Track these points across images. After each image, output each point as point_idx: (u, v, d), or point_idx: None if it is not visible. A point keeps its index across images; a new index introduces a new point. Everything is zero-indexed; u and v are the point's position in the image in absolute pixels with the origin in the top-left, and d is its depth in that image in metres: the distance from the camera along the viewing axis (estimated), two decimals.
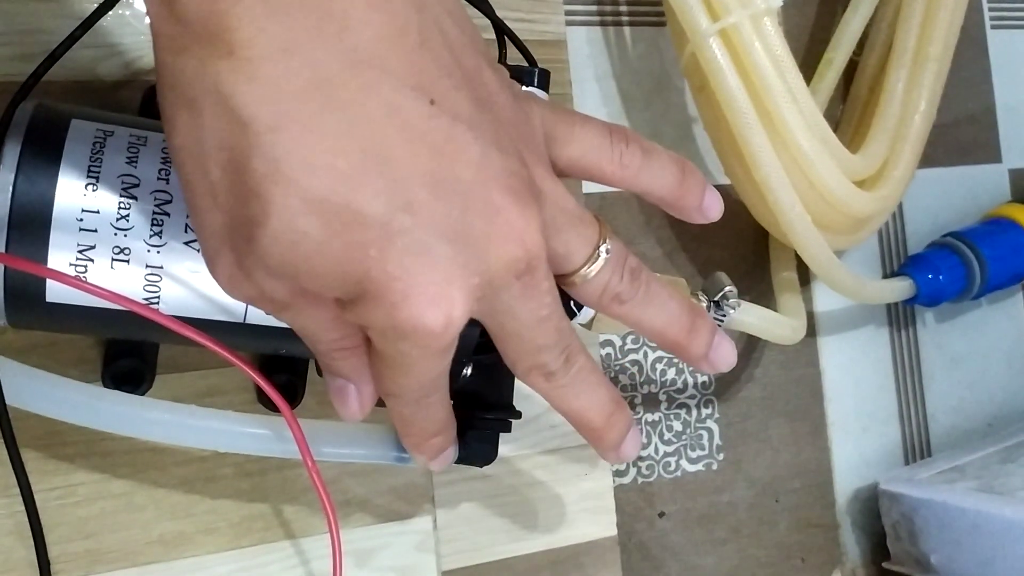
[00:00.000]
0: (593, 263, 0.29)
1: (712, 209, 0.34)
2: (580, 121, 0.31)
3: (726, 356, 0.33)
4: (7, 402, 0.33)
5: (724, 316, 0.44)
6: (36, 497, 0.36)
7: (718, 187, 0.54)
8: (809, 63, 0.56)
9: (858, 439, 0.58)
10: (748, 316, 0.45)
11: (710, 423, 0.55)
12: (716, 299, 0.44)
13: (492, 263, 0.25)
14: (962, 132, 0.64)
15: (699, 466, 0.54)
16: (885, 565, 0.56)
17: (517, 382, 0.36)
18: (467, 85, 0.25)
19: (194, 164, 0.23)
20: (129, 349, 0.37)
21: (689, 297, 0.37)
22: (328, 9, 0.22)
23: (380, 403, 0.36)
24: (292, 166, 0.22)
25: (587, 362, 0.30)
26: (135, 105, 0.39)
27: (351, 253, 0.23)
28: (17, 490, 0.36)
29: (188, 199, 0.24)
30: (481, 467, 0.38)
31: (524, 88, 0.36)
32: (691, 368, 0.54)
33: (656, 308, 0.31)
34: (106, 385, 0.37)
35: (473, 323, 0.32)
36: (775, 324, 0.47)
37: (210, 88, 0.22)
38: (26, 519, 0.37)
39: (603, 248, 0.29)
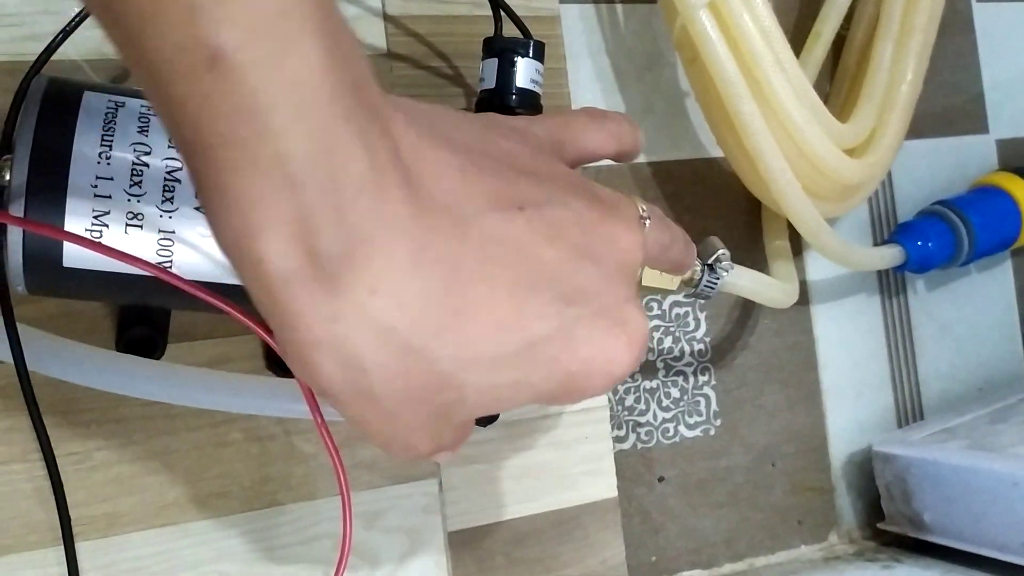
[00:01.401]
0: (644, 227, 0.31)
1: (639, 145, 0.36)
2: (568, 121, 0.33)
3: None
4: (29, 367, 0.34)
5: (717, 279, 0.45)
6: (56, 462, 0.37)
7: (711, 159, 0.56)
8: (798, 39, 0.57)
9: (852, 405, 0.60)
10: (741, 279, 0.46)
11: (707, 390, 0.56)
12: (710, 263, 0.45)
13: (635, 263, 0.28)
14: (950, 104, 0.65)
15: (697, 432, 0.55)
16: (880, 526, 0.57)
17: None
18: (521, 168, 0.27)
19: (368, 403, 0.25)
20: (141, 317, 0.39)
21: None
22: (423, 214, 0.23)
23: None
24: (474, 350, 0.24)
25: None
26: None
27: (550, 370, 0.26)
28: (37, 455, 0.38)
29: (365, 429, 0.26)
30: (484, 427, 0.40)
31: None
32: (688, 337, 0.56)
33: (676, 241, 0.34)
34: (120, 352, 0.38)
35: None
36: (767, 287, 0.48)
37: (370, 333, 0.23)
38: (46, 484, 0.38)
39: (643, 213, 0.31)
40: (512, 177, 0.26)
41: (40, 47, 0.35)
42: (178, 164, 0.32)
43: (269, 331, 0.32)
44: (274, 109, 0.20)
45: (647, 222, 0.30)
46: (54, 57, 0.35)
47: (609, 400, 0.48)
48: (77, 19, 0.35)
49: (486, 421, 0.40)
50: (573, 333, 0.26)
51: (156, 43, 0.19)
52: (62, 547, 0.38)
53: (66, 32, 0.35)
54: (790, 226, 0.55)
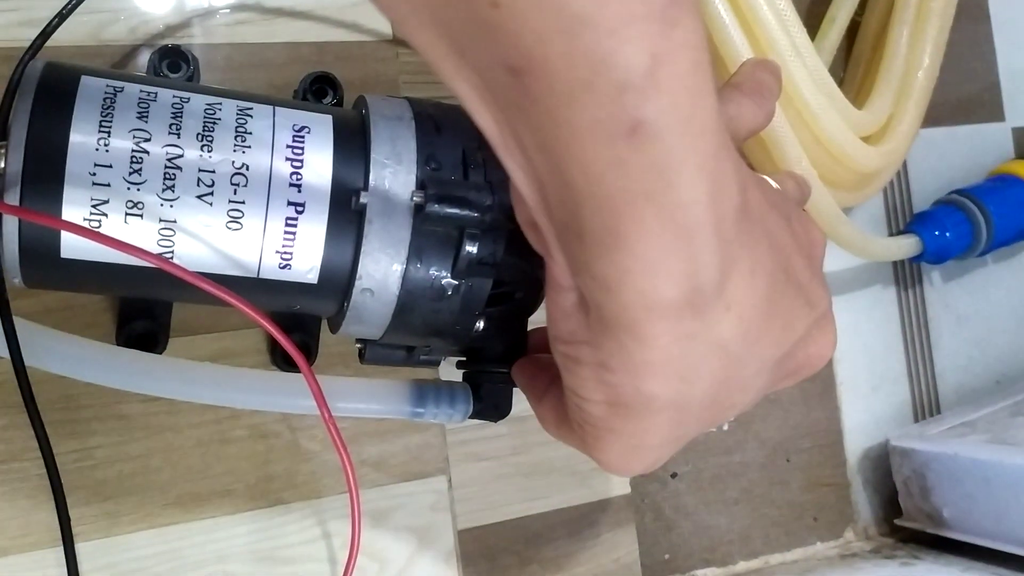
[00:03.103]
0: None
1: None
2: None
3: None
4: (26, 362, 0.33)
5: None
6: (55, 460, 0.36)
7: None
8: (812, 24, 0.56)
9: (867, 398, 0.58)
10: None
11: None
12: None
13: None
14: (966, 92, 0.64)
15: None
16: (897, 522, 0.56)
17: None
18: (771, 205, 0.27)
19: (674, 415, 0.25)
20: (142, 311, 0.37)
21: None
22: (759, 243, 0.24)
23: (393, 363, 0.36)
24: (767, 359, 0.26)
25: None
26: (142, 72, 0.40)
27: (801, 347, 0.27)
28: (35, 453, 0.37)
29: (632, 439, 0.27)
30: (496, 422, 0.39)
31: None
32: None
33: None
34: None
35: (485, 275, 0.33)
36: None
37: (711, 349, 0.24)
38: (44, 482, 0.37)
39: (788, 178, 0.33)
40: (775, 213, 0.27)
41: (36, 32, 0.34)
42: (179, 152, 0.30)
43: (273, 323, 0.31)
44: (684, 163, 0.21)
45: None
46: (51, 44, 0.34)
47: None
48: (73, 3, 0.34)
49: (498, 415, 0.39)
50: (810, 333, 0.27)
51: (575, 117, 0.20)
52: (62, 548, 0.37)
53: (62, 16, 0.34)
54: None
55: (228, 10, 0.42)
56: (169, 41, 0.41)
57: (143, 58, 0.40)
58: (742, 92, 0.33)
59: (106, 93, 0.31)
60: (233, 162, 0.31)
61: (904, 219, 0.60)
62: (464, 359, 0.37)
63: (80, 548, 0.38)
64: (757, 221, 0.25)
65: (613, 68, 0.19)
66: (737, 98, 0.33)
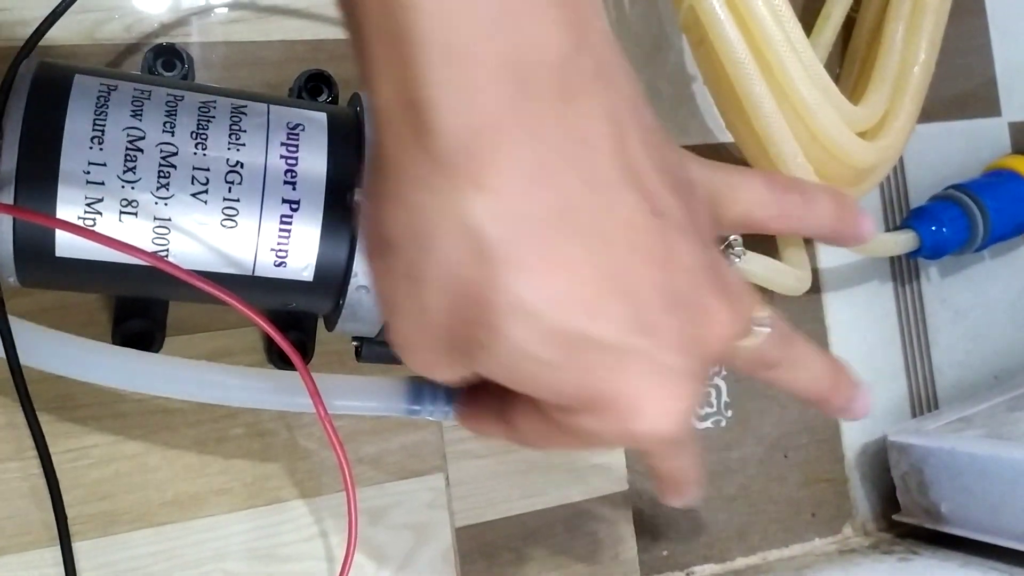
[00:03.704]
0: (755, 334, 0.29)
1: (865, 234, 0.33)
2: (739, 179, 0.30)
3: (864, 408, 0.33)
4: (22, 361, 0.33)
5: (730, 266, 0.44)
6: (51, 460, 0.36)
7: (719, 144, 0.55)
8: (807, 19, 0.56)
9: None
10: (753, 265, 0.45)
11: (717, 380, 0.55)
12: (721, 248, 0.44)
13: (709, 360, 0.25)
14: (961, 87, 0.64)
15: (708, 423, 0.54)
16: (895, 517, 0.56)
17: None
18: (672, 181, 0.25)
19: (412, 288, 0.23)
20: (138, 310, 0.37)
21: (826, 351, 0.36)
22: (571, 125, 0.22)
23: (389, 361, 0.36)
24: (535, 303, 0.22)
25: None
26: (136, 70, 0.39)
27: (583, 376, 0.23)
28: (32, 453, 0.37)
29: (389, 306, 0.24)
30: None
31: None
32: None
33: (804, 368, 0.31)
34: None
35: None
36: (780, 274, 0.47)
37: (453, 221, 0.21)
38: (41, 482, 0.37)
39: (763, 319, 0.29)
40: (664, 184, 0.24)
41: (30, 31, 0.34)
42: (172, 149, 0.30)
43: (269, 321, 0.31)
44: None
45: (763, 326, 0.29)
46: (46, 43, 0.34)
47: None
48: (67, 1, 0.34)
49: None
50: (625, 362, 0.23)
51: None
52: (59, 547, 0.37)
53: (56, 14, 0.34)
54: None
55: (223, 8, 0.42)
56: (164, 39, 0.41)
57: (138, 57, 0.40)
58: (762, 178, 0.31)
59: (100, 91, 0.31)
60: (227, 160, 0.31)
61: (901, 214, 0.60)
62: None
63: (77, 547, 0.38)
64: (591, 152, 0.22)
65: None
66: (747, 175, 0.30)
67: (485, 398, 0.31)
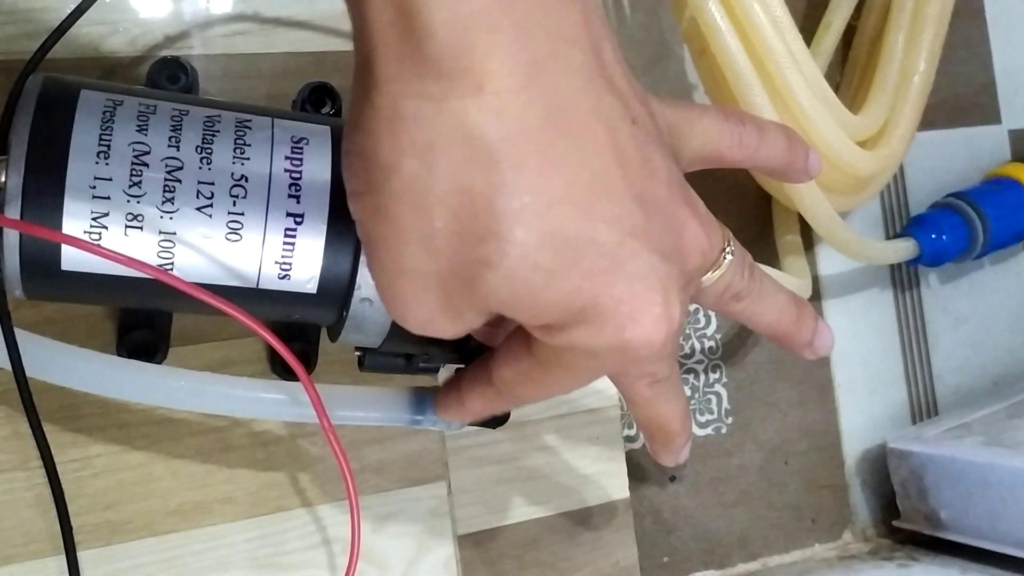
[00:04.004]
0: (719, 267, 0.29)
1: (814, 169, 0.34)
2: (697, 113, 0.31)
3: (827, 342, 0.34)
4: (27, 374, 0.33)
5: None
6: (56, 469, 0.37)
7: None
8: (807, 28, 0.56)
9: (865, 401, 0.59)
10: None
11: (718, 387, 0.55)
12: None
13: (690, 272, 0.26)
14: (961, 94, 0.64)
15: (708, 430, 0.54)
16: (895, 523, 0.56)
17: None
18: (642, 101, 0.25)
19: (416, 213, 0.23)
20: (142, 321, 0.38)
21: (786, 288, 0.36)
22: (564, 30, 0.22)
23: (393, 371, 0.36)
24: (537, 202, 0.22)
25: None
26: (140, 82, 0.40)
27: (580, 282, 0.23)
28: (37, 463, 0.37)
29: (388, 248, 0.24)
30: (495, 428, 0.39)
31: None
32: (698, 334, 0.55)
33: (768, 302, 0.32)
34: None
35: None
36: (780, 282, 0.47)
37: (453, 129, 0.22)
38: (46, 491, 0.37)
39: (728, 251, 0.29)
40: (635, 94, 0.25)
41: (35, 45, 0.34)
42: (178, 164, 0.31)
43: (271, 331, 0.32)
44: None
45: (726, 258, 0.29)
46: (51, 56, 0.35)
47: (619, 400, 0.47)
48: (73, 16, 0.35)
49: (496, 422, 0.39)
50: (619, 265, 0.24)
51: None
52: (64, 556, 0.37)
53: (62, 30, 0.34)
54: (801, 220, 0.54)
55: (226, 21, 0.43)
56: (168, 52, 0.41)
57: (142, 69, 0.40)
58: (718, 111, 0.32)
59: (106, 106, 0.31)
60: (232, 173, 0.31)
61: (901, 223, 0.60)
62: (463, 366, 0.37)
63: (82, 556, 0.38)
64: (580, 59, 0.22)
65: None
66: (702, 109, 0.31)
67: (467, 375, 0.32)
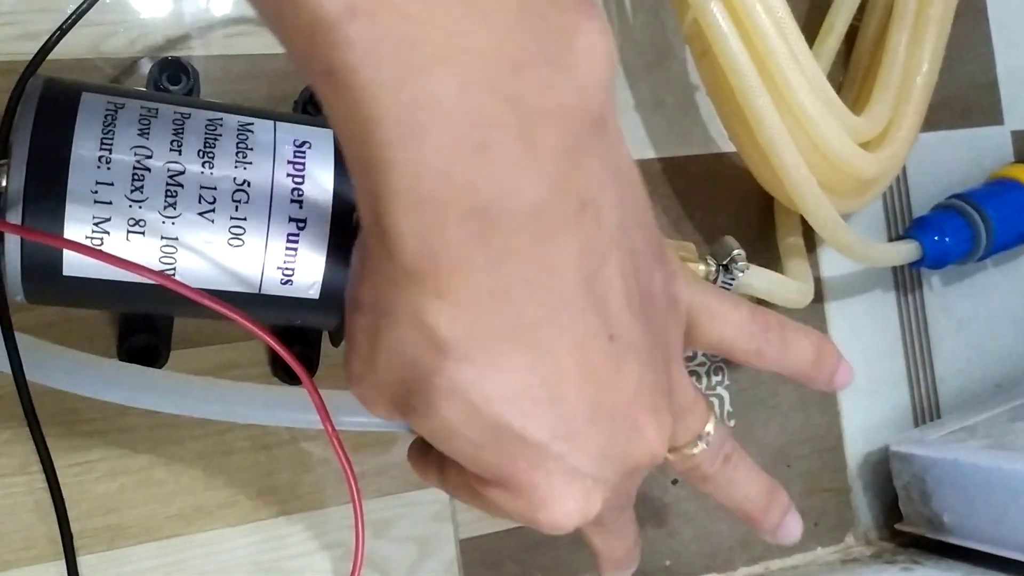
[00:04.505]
0: (692, 448, 0.31)
1: (841, 382, 0.36)
2: (727, 308, 0.32)
3: (791, 533, 0.36)
4: (28, 377, 0.33)
5: (732, 280, 0.44)
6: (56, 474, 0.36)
7: (722, 154, 0.55)
8: (810, 29, 0.56)
9: (867, 403, 0.58)
10: (756, 279, 0.45)
11: (720, 390, 0.55)
12: (725, 263, 0.44)
13: (624, 472, 0.27)
14: (964, 95, 0.64)
15: None
16: (897, 527, 0.56)
17: None
18: (642, 306, 0.26)
19: (368, 349, 0.25)
20: (143, 325, 0.37)
21: (768, 477, 0.37)
22: (541, 259, 0.22)
23: None
24: (471, 393, 0.23)
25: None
26: (141, 84, 0.40)
27: (501, 460, 0.25)
28: (37, 467, 0.37)
29: (349, 353, 0.26)
30: None
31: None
32: None
33: (735, 489, 0.34)
34: (122, 361, 0.37)
35: None
36: (782, 287, 0.47)
37: (411, 315, 0.23)
38: (46, 496, 0.37)
39: (705, 437, 0.31)
40: (631, 308, 0.25)
41: (36, 47, 0.34)
42: (180, 168, 0.30)
43: (275, 337, 0.31)
44: (384, 120, 0.20)
45: (700, 444, 0.31)
46: (51, 57, 0.34)
47: None
48: (73, 17, 0.34)
49: None
50: (542, 459, 0.25)
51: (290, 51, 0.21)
52: (63, 561, 0.37)
53: (63, 31, 0.34)
54: (803, 223, 0.54)
55: (227, 21, 0.42)
56: (169, 53, 0.41)
57: (143, 70, 0.40)
58: (749, 311, 0.32)
59: (107, 110, 0.31)
60: (235, 178, 0.31)
61: (903, 225, 0.60)
62: None
63: (82, 561, 0.38)
64: (556, 272, 0.23)
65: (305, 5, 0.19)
66: (726, 301, 0.32)
67: (432, 452, 0.32)
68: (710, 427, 0.32)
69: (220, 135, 0.31)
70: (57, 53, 0.35)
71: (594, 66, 0.21)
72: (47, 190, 0.29)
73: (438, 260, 0.22)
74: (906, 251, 0.55)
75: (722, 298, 0.32)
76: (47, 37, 0.34)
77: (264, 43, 0.43)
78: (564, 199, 0.22)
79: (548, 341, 0.23)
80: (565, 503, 0.26)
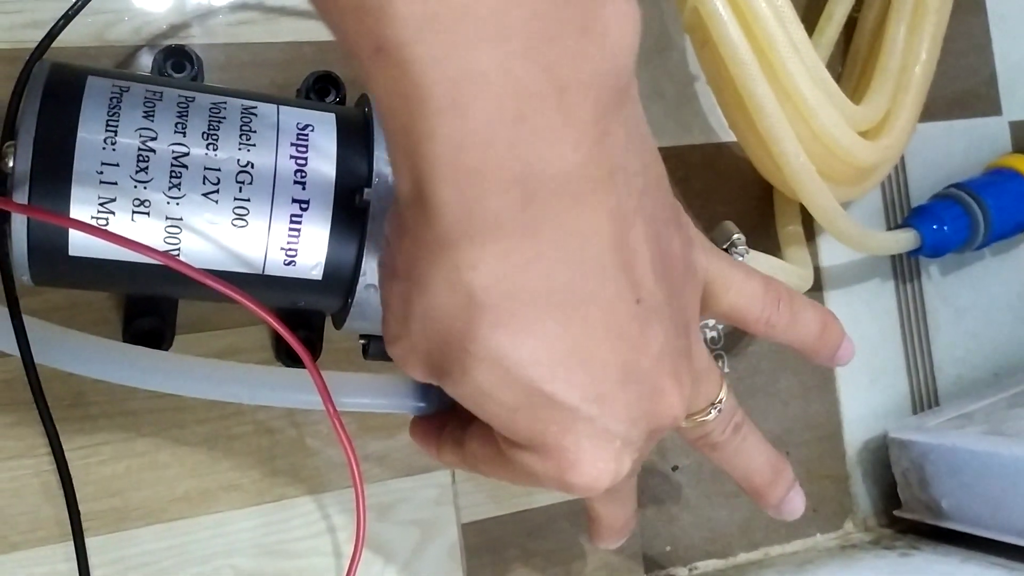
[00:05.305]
0: (704, 415, 0.32)
1: (843, 358, 0.36)
2: (739, 278, 0.32)
3: (795, 509, 0.37)
4: (35, 360, 0.33)
5: None
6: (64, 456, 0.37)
7: (722, 143, 0.55)
8: (809, 19, 0.56)
9: (866, 391, 0.59)
10: (756, 264, 0.45)
11: None
12: (725, 247, 0.45)
13: (649, 434, 0.27)
14: (962, 86, 0.64)
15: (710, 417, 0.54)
16: (896, 513, 0.56)
17: None
18: (664, 270, 0.26)
19: (402, 311, 0.25)
20: (148, 308, 0.38)
21: (775, 450, 0.37)
22: (573, 224, 0.23)
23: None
24: (504, 358, 0.24)
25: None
26: (145, 71, 0.40)
27: (533, 424, 0.25)
28: (44, 450, 0.37)
29: (386, 317, 0.26)
30: None
31: None
32: (701, 325, 0.55)
33: (743, 459, 0.34)
34: None
35: None
36: (783, 272, 0.47)
37: (447, 281, 0.23)
38: (53, 478, 0.37)
39: (716, 407, 0.32)
40: (655, 271, 0.26)
41: (41, 34, 0.34)
42: (184, 150, 0.31)
43: (279, 319, 0.32)
44: (429, 98, 0.20)
45: (712, 411, 0.32)
46: (56, 44, 0.35)
47: None
48: (79, 4, 0.35)
49: None
50: (574, 421, 0.25)
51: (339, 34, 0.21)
52: (71, 543, 0.38)
53: (68, 17, 0.34)
54: (803, 211, 0.54)
55: (230, 10, 0.43)
56: (173, 41, 0.41)
57: (147, 58, 0.41)
58: (763, 282, 0.33)
59: (112, 92, 0.31)
60: (238, 160, 0.31)
61: (902, 214, 0.61)
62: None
63: (90, 543, 0.38)
64: (594, 231, 0.23)
65: None
66: (743, 273, 0.33)
67: (447, 425, 0.33)
68: (723, 394, 0.32)
69: (224, 118, 0.32)
70: (62, 41, 0.35)
71: (624, 31, 0.22)
72: (53, 171, 0.29)
73: (477, 228, 0.22)
74: (905, 240, 0.55)
75: (736, 267, 0.33)
76: (53, 24, 0.35)
77: (267, 32, 0.43)
78: (596, 165, 0.22)
79: (579, 305, 0.24)
80: (596, 464, 0.26)
